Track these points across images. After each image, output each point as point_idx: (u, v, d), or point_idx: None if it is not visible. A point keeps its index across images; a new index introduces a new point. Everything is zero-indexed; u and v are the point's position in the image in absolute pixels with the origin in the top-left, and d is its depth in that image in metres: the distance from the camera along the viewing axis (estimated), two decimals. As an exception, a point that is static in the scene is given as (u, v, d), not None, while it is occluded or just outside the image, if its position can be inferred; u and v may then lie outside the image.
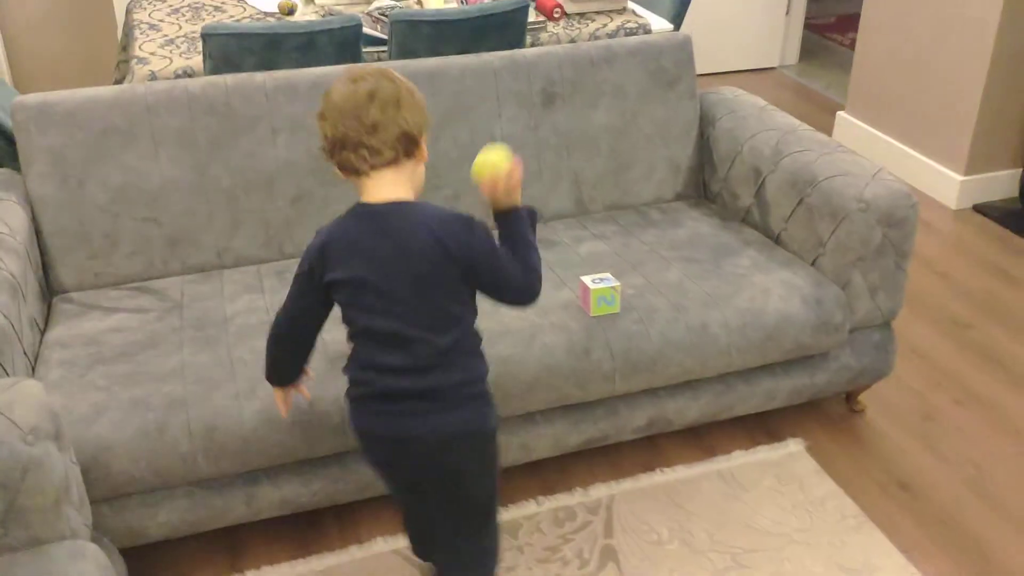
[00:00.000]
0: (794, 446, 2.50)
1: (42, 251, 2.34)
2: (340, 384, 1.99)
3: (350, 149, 1.58)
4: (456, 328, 1.64)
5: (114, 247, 2.37)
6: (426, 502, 1.76)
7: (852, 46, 4.69)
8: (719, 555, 2.17)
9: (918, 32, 3.77)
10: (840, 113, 4.30)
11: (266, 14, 3.28)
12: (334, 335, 1.96)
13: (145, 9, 3.38)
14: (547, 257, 2.46)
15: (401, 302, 1.60)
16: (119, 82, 3.21)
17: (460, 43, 2.88)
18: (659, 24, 3.39)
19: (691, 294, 2.30)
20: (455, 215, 1.64)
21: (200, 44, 2.84)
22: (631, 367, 2.18)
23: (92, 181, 2.34)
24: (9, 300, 1.97)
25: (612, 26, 3.28)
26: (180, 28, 3.18)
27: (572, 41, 3.12)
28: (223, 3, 3.42)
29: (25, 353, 2.01)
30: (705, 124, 2.82)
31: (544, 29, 3.23)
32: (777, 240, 2.57)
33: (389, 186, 1.62)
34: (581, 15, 3.36)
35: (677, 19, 3.51)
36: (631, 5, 3.51)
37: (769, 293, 2.32)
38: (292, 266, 2.41)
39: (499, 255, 1.65)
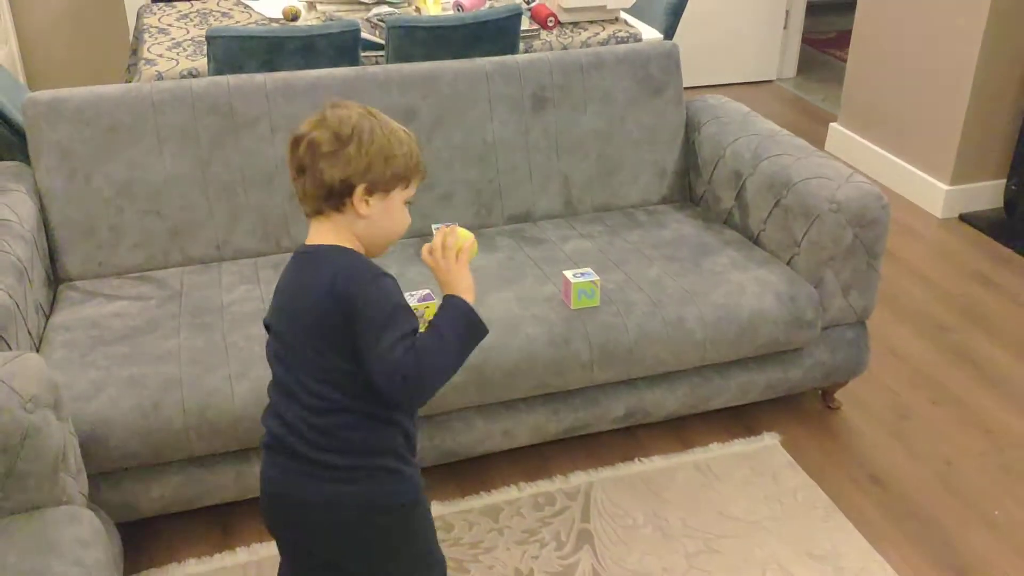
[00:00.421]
0: (769, 440, 2.58)
1: (49, 241, 2.45)
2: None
3: (295, 185, 1.49)
4: (350, 390, 1.45)
5: (118, 238, 2.48)
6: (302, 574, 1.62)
7: (847, 60, 4.78)
8: (691, 540, 2.25)
9: (906, 46, 3.87)
10: (832, 124, 4.39)
11: (271, 20, 3.40)
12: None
13: (155, 14, 3.50)
14: (533, 254, 2.57)
15: (297, 352, 1.47)
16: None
17: (455, 49, 2.99)
18: (651, 35, 3.49)
19: (669, 290, 2.39)
20: (367, 269, 1.46)
21: (205, 47, 2.96)
22: (608, 357, 2.28)
23: (98, 175, 2.45)
24: (15, 283, 2.07)
25: (604, 35, 3.38)
26: (188, 32, 3.30)
27: (564, 48, 3.22)
28: (230, 9, 3.55)
29: (30, 334, 2.11)
30: (691, 129, 2.92)
31: (537, 37, 3.34)
32: (756, 240, 2.66)
33: (325, 233, 1.49)
34: (574, 24, 3.47)
35: (669, 31, 3.62)
36: (623, 15, 3.61)
37: (744, 290, 2.40)
38: (288, 259, 2.54)
39: (382, 328, 1.39)
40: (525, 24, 3.31)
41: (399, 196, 1.50)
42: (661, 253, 2.58)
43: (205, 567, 2.15)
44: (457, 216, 2.70)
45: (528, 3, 3.55)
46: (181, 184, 2.50)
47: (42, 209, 2.43)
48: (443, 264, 1.52)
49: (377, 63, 3.12)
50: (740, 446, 2.55)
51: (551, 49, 3.31)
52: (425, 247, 1.56)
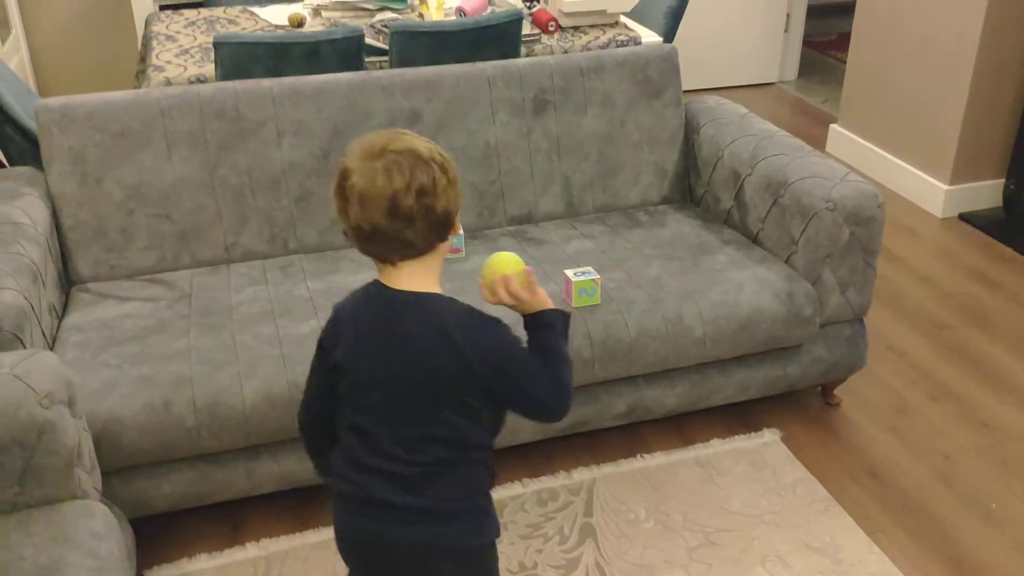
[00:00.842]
0: (769, 436, 2.61)
1: (62, 244, 2.50)
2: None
3: (381, 242, 1.42)
4: (456, 441, 1.48)
5: (129, 241, 2.53)
6: None
7: (847, 61, 4.82)
8: (692, 533, 2.29)
9: (904, 47, 3.91)
10: (833, 126, 4.43)
11: (277, 26, 3.46)
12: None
13: (163, 22, 3.56)
14: (535, 254, 2.61)
15: (397, 406, 1.46)
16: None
17: (457, 53, 3.04)
18: (650, 39, 3.53)
19: (668, 288, 2.43)
20: (480, 316, 1.47)
21: (212, 53, 3.01)
22: (609, 354, 2.32)
23: (109, 179, 2.50)
24: (30, 284, 2.12)
25: (604, 39, 3.43)
26: (195, 39, 3.36)
27: (565, 52, 3.27)
28: (236, 16, 3.60)
29: (44, 334, 2.16)
30: (690, 131, 2.96)
31: (539, 41, 3.38)
32: (755, 240, 2.70)
33: (415, 277, 1.46)
34: (575, 28, 3.51)
35: (669, 34, 3.66)
36: (623, 19, 3.66)
37: (742, 288, 2.45)
38: (296, 261, 2.60)
39: (527, 366, 1.48)
40: (526, 28, 3.36)
41: None
42: (661, 252, 2.62)
43: (215, 562, 2.20)
44: (460, 218, 2.74)
45: (529, 8, 3.60)
46: (190, 188, 2.55)
47: (54, 213, 2.48)
48: (526, 299, 1.56)
49: (381, 68, 3.17)
50: (740, 442, 2.59)
51: (552, 53, 3.36)
52: (489, 291, 1.57)
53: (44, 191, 2.49)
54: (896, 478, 2.49)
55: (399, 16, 3.40)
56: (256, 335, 2.24)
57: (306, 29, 3.39)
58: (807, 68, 5.54)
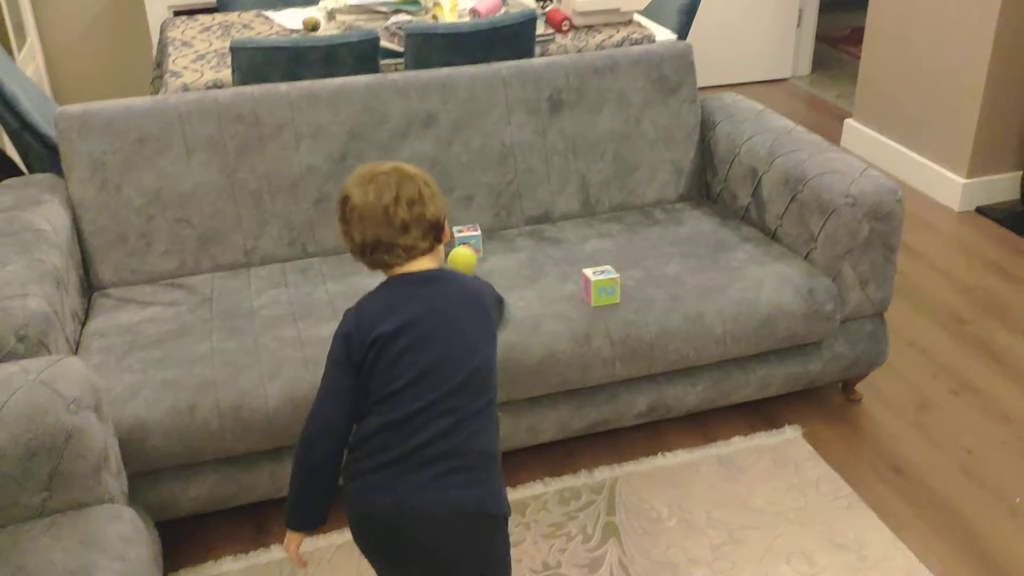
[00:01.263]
0: (791, 432, 2.61)
1: (83, 250, 2.51)
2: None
3: (383, 251, 1.64)
4: (492, 392, 1.64)
5: (149, 246, 2.55)
6: None
7: (861, 56, 4.81)
8: (716, 531, 2.28)
9: (919, 40, 3.89)
10: (847, 120, 4.42)
11: (292, 31, 3.47)
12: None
13: (178, 27, 3.58)
14: (553, 253, 2.62)
15: (446, 357, 1.59)
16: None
17: (472, 54, 3.04)
18: (664, 36, 3.53)
19: (688, 286, 2.43)
20: (480, 279, 1.86)
21: (229, 58, 3.03)
22: (630, 353, 2.32)
23: (129, 185, 2.52)
24: (53, 291, 2.14)
25: (618, 37, 3.43)
26: (211, 44, 3.37)
27: (579, 51, 3.26)
28: (251, 22, 3.61)
29: (67, 340, 2.18)
30: (706, 128, 2.96)
31: (552, 41, 3.38)
32: (773, 236, 2.69)
33: (424, 264, 1.68)
34: (588, 27, 3.51)
35: (683, 31, 3.66)
36: (637, 17, 3.66)
37: (763, 284, 2.44)
38: (315, 264, 2.61)
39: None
40: (540, 28, 3.37)
41: None
42: (679, 250, 2.62)
43: (240, 564, 2.21)
44: (477, 218, 2.76)
45: (543, 8, 3.60)
46: (209, 192, 2.57)
47: (75, 219, 2.50)
48: None
49: (396, 70, 3.18)
50: (762, 439, 2.58)
51: (566, 52, 3.36)
52: None
53: (65, 198, 2.50)
54: (919, 473, 2.48)
55: (413, 18, 3.41)
56: (278, 338, 2.25)
57: (320, 33, 3.39)
58: (820, 63, 5.52)
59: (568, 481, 2.45)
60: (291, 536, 1.70)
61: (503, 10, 3.54)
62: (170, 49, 3.34)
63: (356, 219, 1.62)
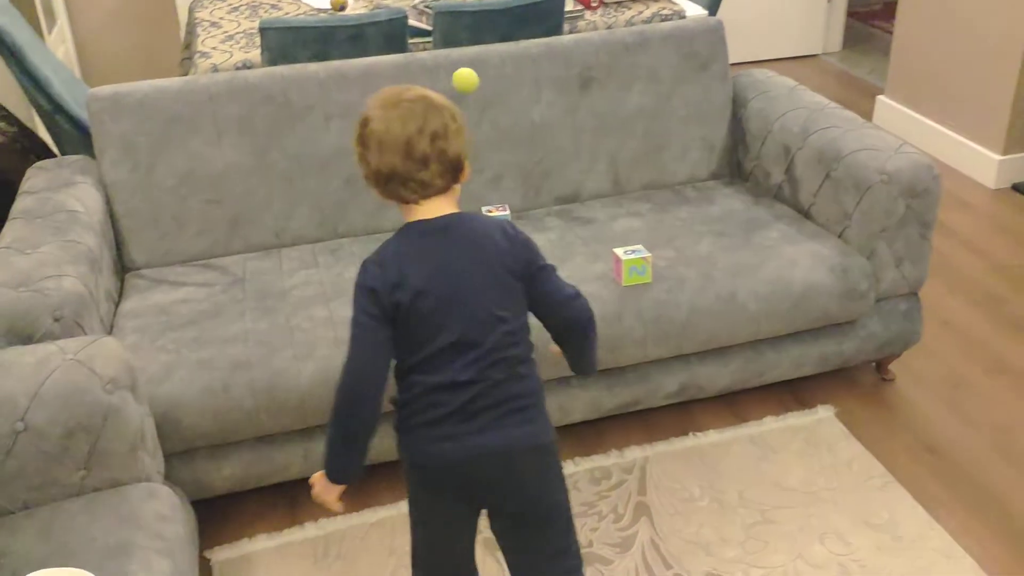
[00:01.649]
0: (824, 412, 2.59)
1: (115, 231, 2.53)
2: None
3: (398, 183, 1.55)
4: (527, 335, 1.63)
5: (181, 227, 2.56)
6: (518, 529, 1.68)
7: (893, 31, 4.73)
8: (748, 511, 2.28)
9: (954, 15, 3.82)
10: (880, 97, 4.36)
11: (319, 10, 3.46)
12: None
13: (207, 8, 3.58)
14: (583, 233, 2.60)
15: (478, 312, 1.55)
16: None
17: (500, 32, 3.03)
18: (694, 12, 3.49)
19: (720, 265, 2.41)
20: (510, 223, 1.67)
21: (258, 39, 3.03)
22: (661, 333, 2.31)
23: (160, 166, 2.53)
24: (88, 271, 2.16)
25: (648, 13, 3.39)
26: (239, 25, 3.37)
27: (609, 28, 3.24)
28: (279, 2, 3.61)
29: (102, 321, 2.20)
30: (737, 105, 2.92)
31: (582, 17, 3.36)
32: (807, 214, 2.66)
33: (438, 207, 1.59)
34: (618, 3, 3.48)
35: (713, 7, 3.61)
36: (668, -7, 3.62)
37: (796, 263, 2.42)
38: (345, 245, 2.61)
39: (548, 262, 1.66)
40: (569, 5, 3.34)
41: None
42: (711, 229, 2.59)
43: (275, 542, 2.23)
44: (506, 198, 2.75)
45: (571, -15, 3.57)
46: (240, 173, 2.57)
47: (107, 200, 2.51)
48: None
49: (424, 49, 3.16)
50: (794, 419, 2.57)
51: (595, 29, 3.33)
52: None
53: (97, 179, 2.52)
54: (954, 453, 2.46)
55: (441, -4, 3.39)
56: (311, 318, 2.26)
57: (348, 12, 3.39)
58: (851, 39, 5.44)
59: (598, 461, 2.45)
60: (331, 487, 1.65)
61: (531, -13, 3.51)
62: (199, 30, 3.35)
63: (375, 145, 1.53)
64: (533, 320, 1.65)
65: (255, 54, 3.08)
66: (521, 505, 1.65)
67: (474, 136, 2.72)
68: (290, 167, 2.60)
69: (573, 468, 2.42)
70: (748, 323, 2.37)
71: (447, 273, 1.55)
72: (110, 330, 2.27)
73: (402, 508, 2.31)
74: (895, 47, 4.21)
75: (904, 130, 4.15)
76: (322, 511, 2.30)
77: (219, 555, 2.20)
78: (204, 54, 3.13)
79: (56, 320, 1.97)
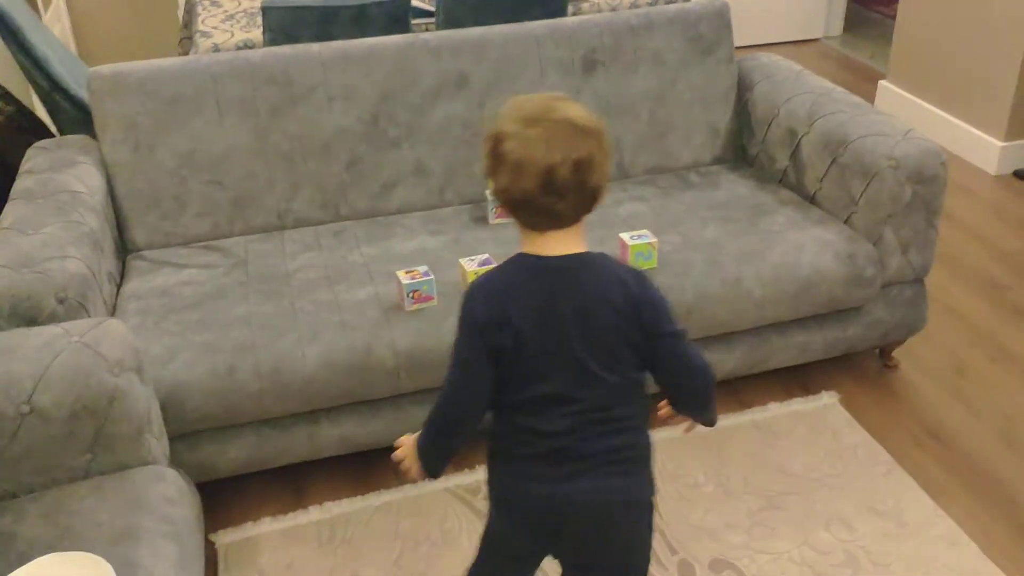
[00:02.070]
0: (828, 399, 2.59)
1: (116, 212, 2.50)
2: (394, 331, 2.15)
3: (528, 211, 1.41)
4: (639, 391, 1.51)
5: (182, 209, 2.53)
6: None
7: (895, 16, 4.71)
8: (753, 497, 2.27)
9: (957, 0, 3.81)
10: (882, 82, 4.34)
11: (320, -10, 3.43)
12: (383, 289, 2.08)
13: (205, -13, 3.54)
14: (587, 217, 2.57)
15: (581, 371, 1.44)
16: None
17: (504, 13, 3.00)
18: (699, -6, 3.46)
19: (726, 250, 2.40)
20: (643, 273, 1.51)
21: (258, 18, 2.99)
22: (668, 318, 2.29)
23: (162, 147, 2.50)
24: (91, 252, 2.13)
25: (653, -4, 3.37)
26: (239, 4, 3.34)
27: (613, 10, 3.21)
28: (278, -20, 3.57)
29: (104, 303, 2.18)
30: (743, 89, 2.91)
31: None
32: (812, 200, 2.65)
33: (562, 243, 1.44)
34: (623, -14, 3.46)
35: (717, -11, 3.58)
36: (672, -24, 3.59)
37: (802, 249, 2.41)
38: (348, 227, 2.59)
39: (677, 324, 1.50)
40: (573, -13, 3.31)
41: None
42: (716, 214, 2.58)
43: (279, 525, 2.22)
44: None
45: (574, -34, 3.54)
46: (242, 154, 2.55)
47: (109, 181, 2.49)
48: None
49: (427, 30, 3.13)
50: (798, 405, 2.56)
51: (600, 11, 3.30)
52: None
53: (98, 159, 2.49)
54: (958, 440, 2.46)
55: (443, -23, 3.35)
56: (314, 301, 2.24)
57: (349, -8, 3.35)
58: (852, 24, 5.42)
59: (603, 445, 2.44)
60: (419, 468, 1.58)
61: (534, -32, 3.47)
62: (199, 9, 3.31)
63: (510, 167, 1.36)
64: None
65: (256, 34, 3.05)
66: (600, 558, 1.56)
67: (478, 118, 2.69)
68: (292, 148, 2.58)
69: (577, 453, 2.41)
70: (754, 308, 2.36)
71: (553, 322, 1.42)
72: (113, 312, 2.25)
73: (407, 491, 2.30)
74: (897, 32, 4.19)
75: (906, 115, 4.14)
76: (326, 495, 2.30)
77: (224, 538, 2.19)
78: (205, 33, 3.10)
79: (60, 302, 1.95)
